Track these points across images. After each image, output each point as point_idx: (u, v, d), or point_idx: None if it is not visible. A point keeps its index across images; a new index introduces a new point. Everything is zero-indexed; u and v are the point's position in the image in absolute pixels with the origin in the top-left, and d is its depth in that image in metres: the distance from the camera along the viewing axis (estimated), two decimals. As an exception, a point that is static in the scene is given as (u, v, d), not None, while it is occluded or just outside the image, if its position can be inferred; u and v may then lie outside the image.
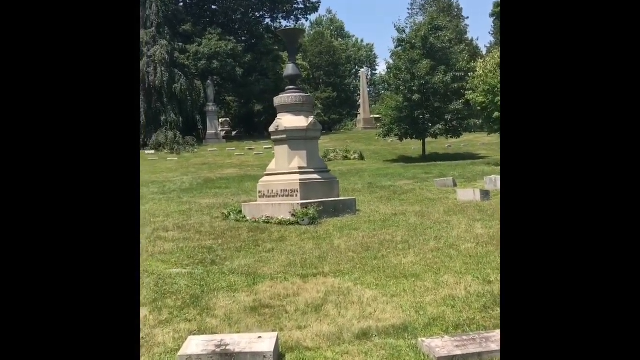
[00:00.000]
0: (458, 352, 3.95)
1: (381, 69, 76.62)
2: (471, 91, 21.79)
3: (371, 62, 56.77)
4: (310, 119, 10.20)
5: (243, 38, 37.56)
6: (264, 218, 9.64)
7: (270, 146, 10.80)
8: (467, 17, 40.69)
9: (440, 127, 26.02)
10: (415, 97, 25.55)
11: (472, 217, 9.39)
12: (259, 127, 36.26)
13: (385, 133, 27.65)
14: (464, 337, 4.17)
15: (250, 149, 30.44)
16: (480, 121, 26.21)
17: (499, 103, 17.09)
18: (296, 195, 9.80)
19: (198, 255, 7.49)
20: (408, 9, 51.27)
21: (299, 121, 10.10)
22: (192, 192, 15.87)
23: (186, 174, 23.15)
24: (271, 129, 10.39)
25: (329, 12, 60.18)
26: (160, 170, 25.07)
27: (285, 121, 10.10)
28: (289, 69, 10.27)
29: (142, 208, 12.39)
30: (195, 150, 30.22)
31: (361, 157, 26.74)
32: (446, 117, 25.88)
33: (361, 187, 15.30)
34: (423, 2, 46.56)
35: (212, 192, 15.72)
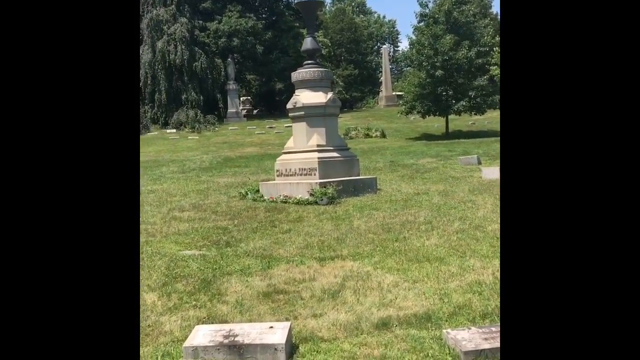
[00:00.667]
0: (486, 345, 3.59)
1: (403, 45, 75.25)
2: (496, 66, 21.08)
3: (393, 39, 55.70)
4: (329, 94, 9.80)
5: (263, 15, 37.00)
6: (281, 197, 9.33)
7: (291, 124, 10.42)
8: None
9: (464, 104, 25.35)
10: (439, 73, 24.90)
11: (498, 196, 8.95)
12: (280, 105, 35.87)
13: (407, 110, 27.08)
14: (492, 329, 3.80)
15: (270, 127, 30.14)
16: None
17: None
18: (314, 174, 9.46)
19: (213, 236, 7.22)
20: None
21: (318, 97, 9.71)
22: (211, 171, 15.64)
23: (207, 153, 22.99)
24: (289, 105, 10.02)
25: (351, -13, 58.93)
26: (180, 149, 24.95)
27: (304, 97, 9.72)
28: (307, 43, 9.84)
29: (160, 187, 12.20)
30: (216, 128, 30.03)
31: (383, 135, 26.27)
32: (470, 93, 25.20)
33: (382, 166, 14.90)
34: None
35: (231, 171, 15.47)
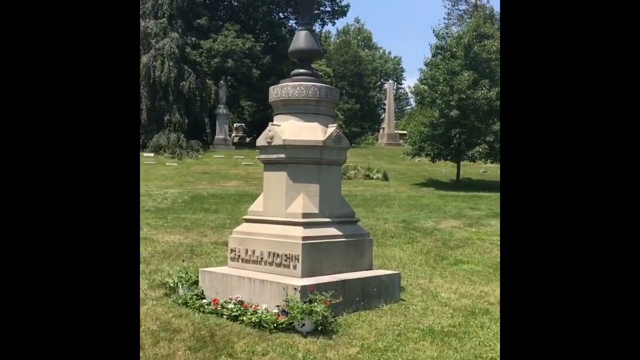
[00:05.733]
0: None
1: (407, 83, 71.43)
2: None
3: (397, 76, 51.77)
4: (331, 128, 5.45)
5: (262, 37, 33.03)
6: (232, 305, 4.93)
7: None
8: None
9: (480, 150, 21.16)
10: (454, 113, 20.76)
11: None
12: (274, 135, 31.59)
13: (415, 152, 22.84)
14: None
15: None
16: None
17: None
18: (295, 267, 5.08)
19: None
20: (444, 18, 45.94)
21: (311, 131, 5.36)
22: (165, 217, 11.23)
23: (180, 185, 18.70)
24: (260, 141, 5.62)
25: (357, 21, 55.38)
26: (152, 178, 20.53)
27: (287, 130, 5.37)
28: (300, 40, 5.53)
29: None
30: (199, 156, 25.71)
31: (385, 178, 22.08)
32: (487, 138, 21.04)
33: (394, 228, 10.55)
34: (461, 12, 41.39)
35: (191, 219, 11.07)
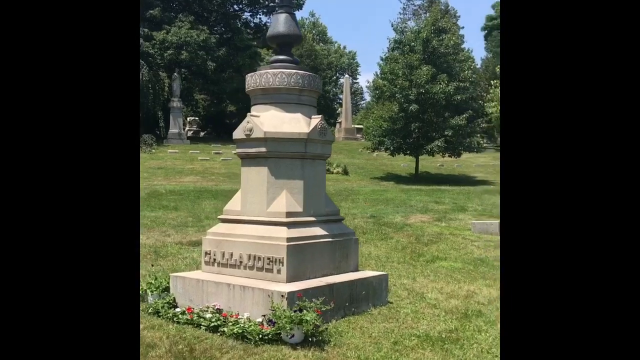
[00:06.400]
0: None
1: (363, 78, 71.33)
2: (493, 103, 16.94)
3: (352, 71, 51.61)
4: (315, 120, 5.02)
5: (217, 29, 32.07)
6: (209, 314, 4.44)
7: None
8: (463, 27, 35.61)
9: (439, 144, 21.13)
10: (413, 107, 20.67)
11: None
12: (231, 129, 30.80)
13: (374, 146, 22.68)
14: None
15: (217, 153, 25.09)
16: (486, 141, 21.50)
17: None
18: (279, 271, 4.63)
19: None
20: (400, 13, 45.85)
21: (294, 123, 4.92)
22: (123, 215, 10.53)
23: (134, 181, 17.78)
24: (237, 134, 5.12)
25: (312, 14, 54.83)
26: (104, 173, 19.59)
27: (267, 121, 4.91)
28: (280, 24, 5.08)
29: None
30: (153, 150, 24.72)
31: (345, 172, 21.80)
32: (446, 132, 21.05)
33: (364, 224, 10.23)
34: (417, 7, 41.46)
35: (150, 217, 10.41)
